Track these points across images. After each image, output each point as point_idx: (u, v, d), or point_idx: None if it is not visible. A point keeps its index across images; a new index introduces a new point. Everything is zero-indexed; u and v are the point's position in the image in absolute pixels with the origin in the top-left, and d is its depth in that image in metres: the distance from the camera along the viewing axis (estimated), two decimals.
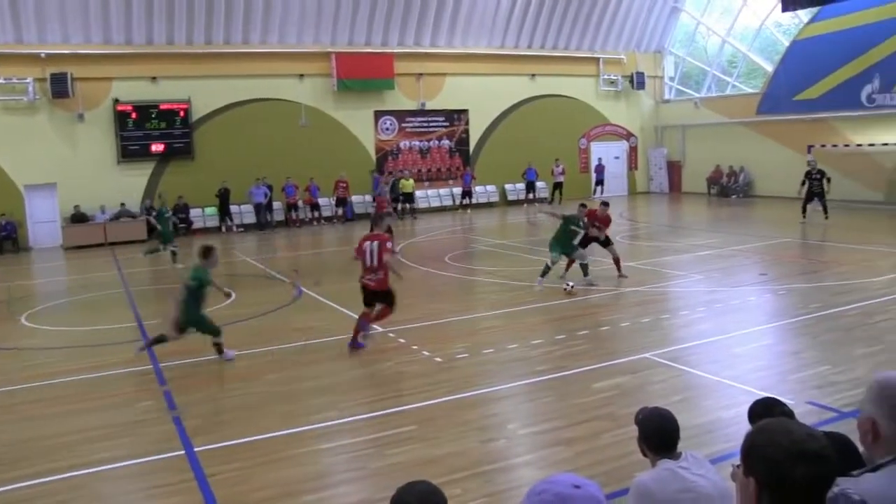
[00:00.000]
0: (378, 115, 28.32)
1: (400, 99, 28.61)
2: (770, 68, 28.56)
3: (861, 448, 2.34)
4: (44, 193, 23.46)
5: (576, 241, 13.44)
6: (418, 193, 28.62)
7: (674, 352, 9.13)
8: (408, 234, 23.08)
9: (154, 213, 18.62)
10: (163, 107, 24.68)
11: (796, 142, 26.23)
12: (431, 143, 29.52)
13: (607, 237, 14.03)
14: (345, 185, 26.70)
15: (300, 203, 26.53)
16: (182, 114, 24.98)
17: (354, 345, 9.82)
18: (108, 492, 6.20)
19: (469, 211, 28.66)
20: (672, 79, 33.97)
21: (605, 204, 14.35)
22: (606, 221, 14.05)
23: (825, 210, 20.41)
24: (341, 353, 9.74)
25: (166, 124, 24.78)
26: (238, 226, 25.57)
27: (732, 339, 9.67)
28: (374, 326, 10.23)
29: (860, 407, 2.28)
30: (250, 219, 25.68)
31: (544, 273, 13.28)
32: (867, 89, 24.34)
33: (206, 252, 9.59)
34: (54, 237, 23.57)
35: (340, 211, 26.99)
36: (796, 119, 26.61)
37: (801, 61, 26.39)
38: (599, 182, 31.70)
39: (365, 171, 27.58)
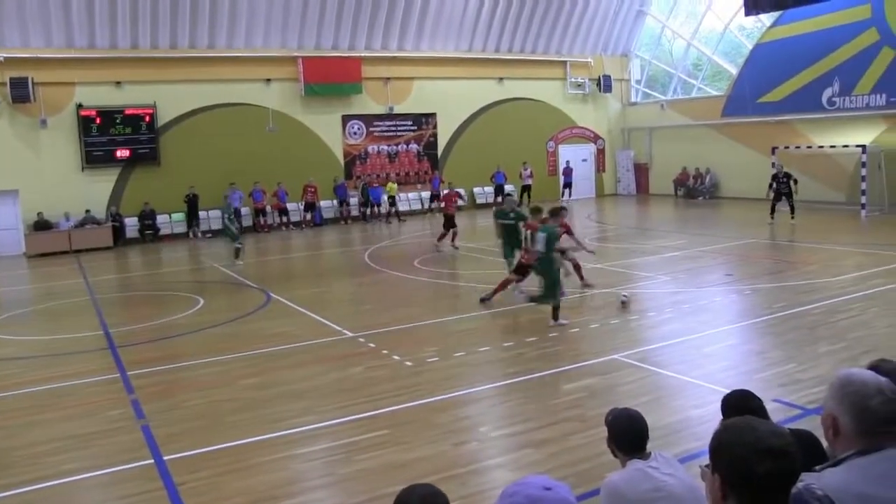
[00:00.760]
0: (346, 119, 28.20)
1: (368, 103, 28.52)
2: (734, 71, 28.98)
3: (825, 444, 2.40)
4: (5, 200, 22.96)
5: (520, 236, 13.28)
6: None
7: (642, 353, 9.24)
8: (377, 239, 23.03)
9: (226, 217, 19.05)
10: (128, 112, 24.32)
11: (761, 143, 26.61)
12: (399, 147, 29.46)
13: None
14: (313, 189, 26.62)
15: (268, 208, 26.37)
16: (147, 119, 24.64)
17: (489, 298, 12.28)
18: (77, 503, 6.12)
19: (438, 214, 28.59)
20: (638, 81, 34.31)
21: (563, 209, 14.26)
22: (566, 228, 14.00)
23: (792, 210, 20.73)
24: (314, 357, 9.71)
25: (131, 130, 24.42)
26: (205, 232, 25.30)
27: (700, 339, 9.80)
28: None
29: (823, 404, 2.33)
30: (217, 224, 25.33)
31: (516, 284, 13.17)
32: (828, 92, 24.80)
33: (555, 212, 11.52)
34: (16, 245, 23.07)
35: (309, 216, 26.88)
36: (760, 121, 27.02)
37: (765, 64, 26.83)
38: (567, 185, 31.83)
39: (332, 177, 27.45)
